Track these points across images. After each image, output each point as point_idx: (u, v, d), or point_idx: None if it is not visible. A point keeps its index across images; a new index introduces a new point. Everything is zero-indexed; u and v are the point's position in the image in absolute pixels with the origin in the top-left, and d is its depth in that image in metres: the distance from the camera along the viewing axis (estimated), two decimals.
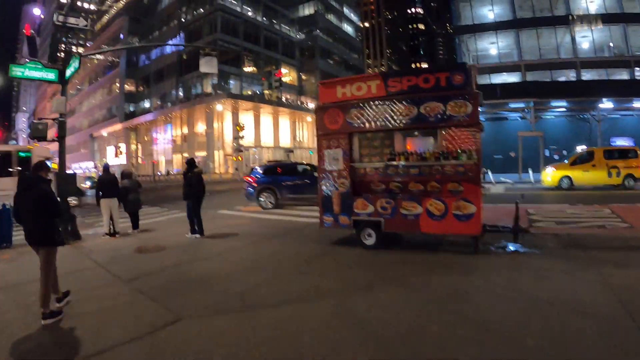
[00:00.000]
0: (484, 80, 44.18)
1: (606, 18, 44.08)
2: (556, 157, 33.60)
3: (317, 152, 10.58)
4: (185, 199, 13.09)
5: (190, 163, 13.30)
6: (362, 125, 9.81)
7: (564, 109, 39.98)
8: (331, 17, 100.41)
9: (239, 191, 30.00)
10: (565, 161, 25.74)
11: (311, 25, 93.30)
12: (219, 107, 59.68)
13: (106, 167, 14.31)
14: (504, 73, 47.49)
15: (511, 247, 9.53)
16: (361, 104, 9.81)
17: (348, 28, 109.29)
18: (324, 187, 10.31)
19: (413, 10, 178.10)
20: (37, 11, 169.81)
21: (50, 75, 14.84)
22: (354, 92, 10.04)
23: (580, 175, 24.23)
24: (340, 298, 6.52)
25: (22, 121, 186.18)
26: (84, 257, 10.46)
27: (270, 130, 75.31)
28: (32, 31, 17.34)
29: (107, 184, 13.58)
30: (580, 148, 29.88)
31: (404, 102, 9.33)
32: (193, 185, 12.90)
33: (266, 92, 69.56)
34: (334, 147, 10.14)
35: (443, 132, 9.17)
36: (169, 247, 11.12)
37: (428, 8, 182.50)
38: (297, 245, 10.88)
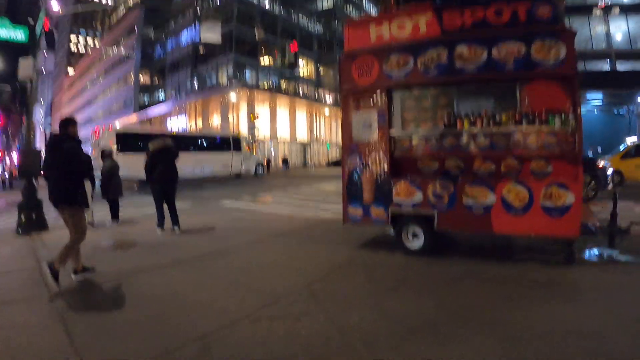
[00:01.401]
0: None
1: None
2: (590, 153, 31.00)
3: (341, 118, 7.67)
4: (153, 182, 10.24)
5: (166, 137, 10.67)
6: (406, 77, 6.87)
7: (599, 103, 37.93)
8: (350, 9, 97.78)
9: (248, 182, 29.04)
10: (611, 155, 22.74)
11: (330, 17, 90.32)
12: (232, 95, 56.75)
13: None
14: None
15: (617, 256, 6.59)
16: (405, 48, 6.91)
17: None
18: (349, 166, 7.44)
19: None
20: (55, 6, 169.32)
21: (19, 35, 12.55)
22: (394, 32, 7.08)
23: (633, 170, 21.41)
24: None
25: (38, 112, 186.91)
26: (31, 253, 8.17)
27: (287, 123, 72.72)
28: (51, 25, 16.01)
29: None
30: (631, 141, 26.81)
31: (467, 43, 6.42)
32: (167, 164, 10.14)
33: (283, 82, 67.91)
34: (365, 109, 7.25)
35: (525, 86, 6.35)
36: (141, 245, 8.56)
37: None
38: (309, 248, 7.99)
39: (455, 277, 5.80)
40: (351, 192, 7.43)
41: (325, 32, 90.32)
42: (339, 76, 7.54)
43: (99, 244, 8.65)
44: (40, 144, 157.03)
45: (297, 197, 17.72)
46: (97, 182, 10.87)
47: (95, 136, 28.80)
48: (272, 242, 8.48)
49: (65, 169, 5.90)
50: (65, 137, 6.12)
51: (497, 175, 6.54)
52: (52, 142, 6.14)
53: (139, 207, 14.60)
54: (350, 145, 7.40)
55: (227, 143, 34.86)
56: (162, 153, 10.10)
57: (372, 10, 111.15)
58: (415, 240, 6.94)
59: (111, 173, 11.92)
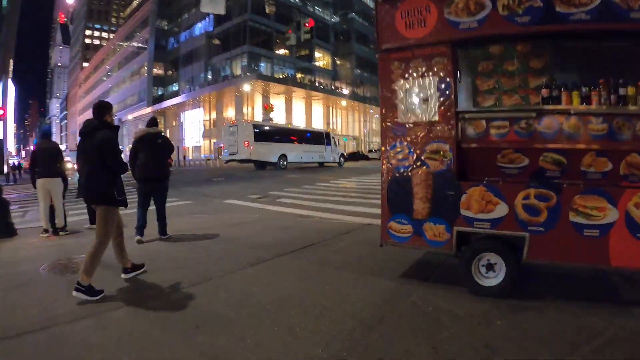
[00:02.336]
0: None
1: None
2: None
3: (380, 91, 5.28)
4: (142, 182, 8.17)
5: (153, 122, 8.40)
6: (480, 27, 4.44)
7: None
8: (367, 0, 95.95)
9: (260, 178, 26.96)
10: None
11: (346, 8, 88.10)
12: (246, 87, 55.01)
13: (45, 132, 9.63)
14: None
15: None
16: None
17: None
18: (392, 162, 5.08)
19: None
20: None
21: None
22: None
23: None
24: None
25: (55, 107, 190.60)
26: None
27: (303, 115, 71.13)
28: (66, 19, 14.05)
29: (43, 156, 8.98)
30: None
31: None
32: (149, 157, 8.03)
33: (298, 74, 66.91)
34: (417, 75, 4.84)
35: None
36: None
37: None
38: (333, 276, 5.53)
39: (567, 341, 3.51)
40: (395, 201, 5.06)
41: (342, 23, 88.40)
42: (375, 30, 5.12)
43: (56, 258, 6.69)
44: (56, 138, 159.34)
45: (313, 195, 15.72)
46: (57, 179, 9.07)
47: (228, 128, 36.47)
48: (281, 264, 6.20)
49: (96, 160, 5.20)
50: (100, 123, 5.39)
51: (618, 178, 4.22)
52: (84, 129, 5.53)
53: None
54: (393, 131, 5.04)
55: (323, 137, 41.95)
56: (143, 143, 8.01)
57: None
58: (491, 275, 4.58)
59: None
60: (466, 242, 4.71)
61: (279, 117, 59.49)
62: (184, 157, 61.61)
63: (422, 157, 4.75)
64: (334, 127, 76.81)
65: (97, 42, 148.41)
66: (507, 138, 4.51)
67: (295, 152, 37.65)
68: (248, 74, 63.94)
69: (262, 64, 69.66)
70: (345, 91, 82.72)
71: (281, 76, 70.26)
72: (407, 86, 4.86)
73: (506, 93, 4.68)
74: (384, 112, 5.08)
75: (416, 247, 5.05)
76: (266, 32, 69.32)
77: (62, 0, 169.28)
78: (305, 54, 78.50)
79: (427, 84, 4.72)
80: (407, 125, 4.89)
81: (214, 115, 71.35)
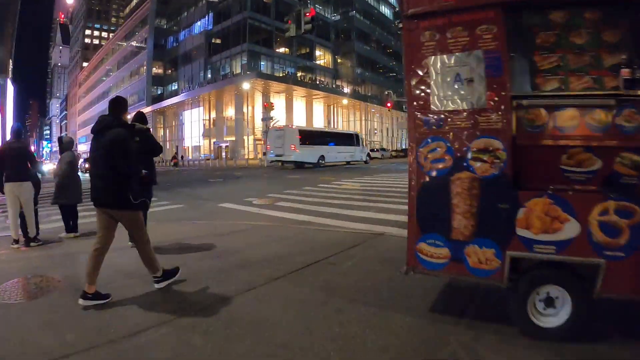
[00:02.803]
0: None
1: None
2: None
3: (405, 70, 4.08)
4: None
5: (141, 118, 7.10)
6: None
7: None
8: None
9: (258, 178, 26.32)
10: None
11: (347, 6, 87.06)
12: (245, 85, 53.83)
13: (16, 130, 8.48)
14: None
15: None
16: None
17: (386, 10, 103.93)
18: (424, 165, 3.84)
19: None
20: None
21: None
22: None
23: None
24: None
25: (55, 107, 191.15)
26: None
27: (303, 114, 70.41)
28: (66, 19, 13.40)
29: (12, 158, 7.83)
30: None
31: None
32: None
33: (299, 73, 66.41)
34: (457, 48, 3.67)
35: None
36: (60, 290, 5.13)
37: None
38: (343, 312, 4.24)
39: None
40: (427, 216, 3.87)
41: (343, 22, 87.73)
42: None
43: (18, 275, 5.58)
44: (56, 138, 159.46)
45: (314, 198, 14.59)
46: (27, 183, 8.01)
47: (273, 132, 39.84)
48: (276, 292, 4.95)
49: (107, 160, 4.76)
50: (114, 120, 4.97)
51: None
52: (97, 126, 5.01)
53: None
54: (425, 123, 3.83)
55: (353, 139, 46.54)
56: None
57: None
58: (550, 311, 3.47)
59: (71, 169, 8.85)
60: (518, 269, 3.59)
61: (279, 116, 58.46)
62: (182, 157, 60.77)
63: (465, 158, 3.60)
64: (335, 126, 76.10)
65: (97, 41, 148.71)
66: (575, 132, 3.38)
67: (331, 153, 41.69)
68: (248, 72, 63.06)
69: (262, 63, 68.61)
70: (346, 90, 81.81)
71: (281, 74, 69.18)
72: (443, 63, 3.71)
73: (574, 73, 3.52)
74: (411, 97, 3.89)
75: (454, 276, 3.91)
76: (266, 30, 68.58)
77: (62, 0, 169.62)
78: (305, 52, 77.85)
79: (470, 60, 3.58)
80: (443, 115, 3.72)
81: (213, 114, 70.54)
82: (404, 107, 70.83)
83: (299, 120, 68.16)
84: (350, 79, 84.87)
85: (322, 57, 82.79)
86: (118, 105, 5.12)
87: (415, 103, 3.84)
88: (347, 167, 38.94)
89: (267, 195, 15.58)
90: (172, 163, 52.42)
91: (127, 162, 4.80)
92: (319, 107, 74.96)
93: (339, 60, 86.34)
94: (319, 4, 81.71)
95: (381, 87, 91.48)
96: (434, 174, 3.74)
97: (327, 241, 7.52)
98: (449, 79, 3.70)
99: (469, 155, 3.58)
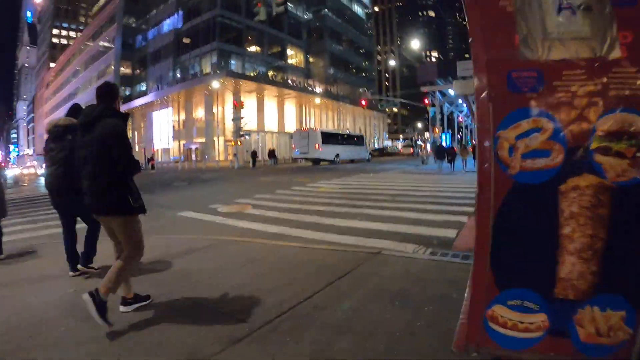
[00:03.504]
0: None
1: None
2: None
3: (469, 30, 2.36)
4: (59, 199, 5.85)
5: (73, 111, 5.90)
6: None
7: None
8: None
9: (227, 181, 24.75)
10: None
11: (320, 5, 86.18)
12: (215, 84, 52.65)
13: None
14: None
15: None
16: None
17: (359, 10, 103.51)
18: (505, 163, 2.16)
19: None
20: None
21: None
22: None
23: None
24: None
25: (22, 110, 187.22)
26: None
27: (275, 114, 68.87)
28: (34, 18, 12.38)
29: None
30: None
31: None
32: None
33: (270, 72, 65.02)
34: None
35: None
36: None
37: None
38: None
39: None
40: (512, 257, 2.21)
41: (315, 21, 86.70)
42: None
43: None
44: (23, 141, 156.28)
45: (289, 204, 12.94)
46: None
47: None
48: None
49: (103, 158, 3.97)
50: (105, 109, 4.17)
51: None
52: (86, 118, 4.19)
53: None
54: (510, 84, 2.13)
55: (360, 139, 55.15)
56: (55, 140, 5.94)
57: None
58: None
59: None
60: None
61: (250, 116, 56.87)
62: (147, 159, 58.39)
63: (587, 149, 1.93)
64: (307, 126, 74.89)
65: (64, 41, 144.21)
66: None
67: (344, 152, 48.09)
68: (217, 71, 61.21)
69: (232, 61, 66.65)
70: (319, 89, 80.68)
71: (252, 74, 67.23)
72: None
73: None
74: (476, 39, 2.18)
75: (552, 357, 2.22)
76: (237, 28, 66.78)
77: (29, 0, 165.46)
78: (277, 51, 76.25)
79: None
80: (543, 70, 2.02)
81: (183, 115, 68.09)
82: (379, 105, 70.01)
83: (270, 120, 67.24)
84: (322, 79, 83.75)
85: (294, 56, 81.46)
86: (110, 91, 4.38)
87: (485, 53, 2.12)
88: (321, 168, 38.12)
89: (235, 201, 13.91)
90: (149, 165, 49.62)
91: (128, 156, 4.11)
92: (290, 107, 73.37)
93: (311, 60, 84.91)
94: (291, 2, 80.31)
95: (353, 87, 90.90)
96: (528, 178, 2.04)
97: (308, 265, 5.77)
98: (549, 3, 2.01)
99: (594, 144, 1.90)
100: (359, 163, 46.63)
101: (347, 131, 67.46)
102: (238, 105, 44.48)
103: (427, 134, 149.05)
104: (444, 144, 38.32)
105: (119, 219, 4.19)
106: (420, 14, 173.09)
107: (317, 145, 43.66)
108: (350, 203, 12.66)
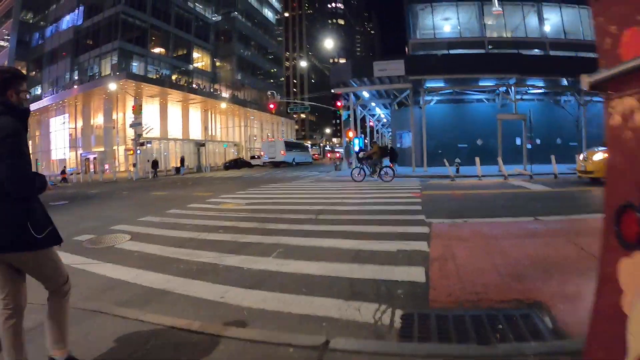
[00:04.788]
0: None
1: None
2: (529, 145, 30.24)
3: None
4: None
5: None
6: None
7: (540, 91, 37.61)
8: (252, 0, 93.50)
9: (116, 198, 21.35)
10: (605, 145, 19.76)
11: (229, 6, 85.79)
12: (115, 86, 50.00)
13: None
14: (465, 49, 43.01)
15: None
16: None
17: (269, 14, 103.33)
18: None
19: (334, 5, 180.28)
20: None
21: None
22: None
23: None
24: None
25: None
26: None
27: (179, 120, 67.84)
28: None
29: None
30: None
31: None
32: None
33: (175, 75, 63.46)
34: None
35: None
36: None
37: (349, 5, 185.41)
38: None
39: None
40: None
41: (224, 23, 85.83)
42: None
43: None
44: None
45: (181, 231, 10.21)
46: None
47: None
48: None
49: None
50: None
51: None
52: None
53: None
54: None
55: (307, 146, 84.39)
56: None
57: (274, 1, 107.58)
58: None
59: None
60: None
61: (152, 123, 55.14)
62: (35, 173, 53.50)
63: None
64: (213, 133, 73.67)
65: None
66: None
67: (297, 156, 66.67)
68: (118, 73, 58.54)
69: (134, 63, 64.09)
70: (225, 94, 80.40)
71: (156, 77, 65.50)
72: None
73: None
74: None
75: None
76: (141, 27, 64.35)
77: None
78: (182, 54, 74.78)
79: None
80: None
81: (80, 122, 64.07)
82: (287, 109, 70.36)
83: (174, 127, 65.95)
84: (229, 83, 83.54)
85: (201, 60, 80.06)
86: (4, 79, 3.21)
87: None
88: (228, 177, 37.26)
89: (111, 228, 10.90)
90: (60, 179, 43.16)
91: (27, 168, 3.12)
92: (195, 113, 72.41)
93: (218, 64, 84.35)
94: (200, 3, 78.77)
95: (261, 92, 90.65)
96: None
97: None
98: None
99: None
100: (280, 169, 50.30)
101: (302, 142, 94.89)
102: (136, 110, 42.57)
103: (334, 140, 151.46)
104: (356, 148, 38.23)
105: (24, 256, 3.19)
106: (330, 21, 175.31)
107: (282, 152, 58.80)
108: (261, 226, 10.25)
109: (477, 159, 24.92)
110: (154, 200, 18.97)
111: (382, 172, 23.67)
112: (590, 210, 11.05)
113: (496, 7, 40.66)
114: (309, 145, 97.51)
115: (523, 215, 10.58)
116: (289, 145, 64.82)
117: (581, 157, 20.61)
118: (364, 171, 24.44)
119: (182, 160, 48.67)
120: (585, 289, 4.72)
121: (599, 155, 18.83)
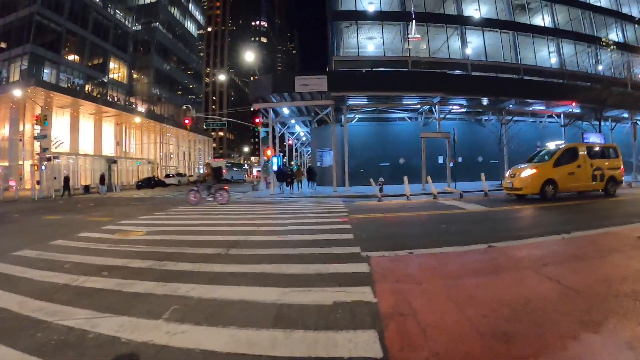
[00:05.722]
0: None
1: (498, 24, 48.83)
2: (452, 164, 31.77)
3: None
4: None
5: None
6: None
7: (463, 110, 39.14)
8: (175, 11, 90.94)
9: (1, 219, 18.56)
10: (528, 162, 21.28)
11: (151, 16, 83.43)
12: (21, 94, 45.75)
13: None
14: (388, 68, 43.77)
15: None
16: None
17: (192, 27, 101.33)
18: None
19: (258, 22, 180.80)
20: None
21: None
22: None
23: (566, 179, 19.55)
24: None
25: None
26: None
27: (92, 135, 64.52)
28: None
29: None
30: (555, 144, 25.19)
31: None
32: None
33: (89, 85, 59.83)
34: None
35: None
36: None
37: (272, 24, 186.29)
38: None
39: None
40: None
41: (144, 33, 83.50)
42: None
43: None
44: None
45: (54, 271, 8.06)
46: None
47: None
48: None
49: None
50: None
51: None
52: None
53: None
54: None
55: (240, 166, 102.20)
56: None
57: (198, 15, 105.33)
58: None
59: None
60: None
61: (62, 136, 51.82)
62: None
63: None
64: (127, 150, 70.25)
65: None
66: None
67: (235, 174, 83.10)
68: (27, 79, 54.32)
69: (46, 70, 59.88)
70: (141, 109, 78.10)
71: (68, 86, 61.82)
72: None
73: None
74: None
75: None
76: (56, 31, 60.45)
77: None
78: (98, 63, 70.92)
79: None
80: None
81: None
82: (204, 125, 68.65)
83: (86, 142, 62.52)
84: (145, 97, 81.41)
85: (117, 70, 76.51)
86: None
87: None
88: (137, 198, 35.21)
89: None
90: None
91: None
92: (109, 127, 69.22)
93: (135, 76, 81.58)
94: (120, 10, 75.30)
95: (179, 108, 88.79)
96: None
97: None
98: None
99: None
100: (175, 191, 46.61)
101: (240, 162, 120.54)
102: (40, 120, 39.13)
103: (252, 158, 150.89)
104: (274, 167, 37.28)
105: None
106: (252, 39, 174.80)
107: (224, 170, 63.88)
108: (157, 266, 8.11)
109: (405, 178, 24.69)
110: (43, 226, 16.16)
111: (217, 195, 23.31)
112: (539, 232, 10.59)
113: (413, 35, 44.38)
114: (246, 165, 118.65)
115: (473, 242, 9.41)
116: (229, 166, 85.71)
117: (507, 173, 21.41)
118: (200, 194, 23.68)
119: (102, 178, 45.07)
120: (595, 346, 4.13)
121: (527, 172, 19.69)
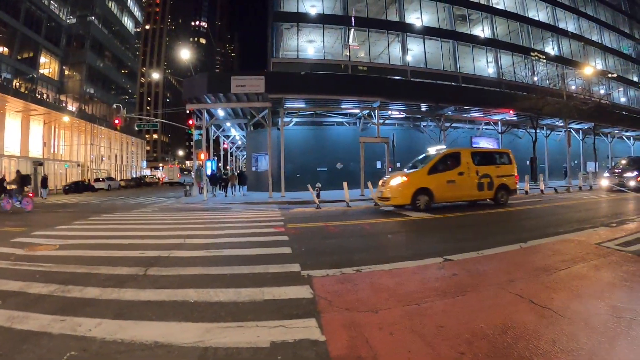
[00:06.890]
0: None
1: (439, 33, 51.40)
2: (390, 169, 31.09)
3: None
4: None
5: None
6: None
7: (402, 116, 39.37)
8: (112, 5, 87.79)
9: None
10: (410, 168, 19.36)
11: (86, 9, 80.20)
12: None
13: None
14: (327, 72, 44.16)
15: None
16: None
17: (129, 24, 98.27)
18: None
19: (198, 23, 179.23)
20: None
21: None
22: None
23: (444, 188, 17.74)
24: None
25: None
26: None
27: (18, 134, 60.82)
28: None
29: None
30: (435, 149, 21.97)
31: None
32: None
33: (16, 81, 56.13)
34: None
35: None
36: None
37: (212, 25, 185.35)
38: None
39: None
40: None
41: (78, 27, 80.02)
42: None
43: None
44: None
45: None
46: None
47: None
48: None
49: None
50: None
51: None
52: None
53: None
54: None
55: (197, 170, 54.96)
56: None
57: (136, 11, 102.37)
58: None
59: None
60: None
61: None
62: None
63: None
64: (55, 151, 66.65)
65: None
66: None
67: (187, 178, 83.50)
68: None
69: None
70: (72, 107, 75.01)
71: None
72: None
73: None
74: None
75: None
76: None
77: None
78: (28, 57, 66.88)
79: None
80: None
81: None
82: (136, 126, 65.67)
83: (13, 142, 59.20)
84: (77, 95, 77.94)
85: (48, 65, 72.31)
86: None
87: None
88: (61, 204, 32.30)
89: None
90: None
91: None
92: (37, 126, 65.51)
93: (66, 72, 77.61)
94: (55, 1, 71.46)
95: (112, 108, 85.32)
96: None
97: None
98: None
99: None
100: (105, 196, 44.00)
101: (191, 167, 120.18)
102: None
103: (187, 162, 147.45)
104: (209, 171, 36.01)
105: None
106: (191, 39, 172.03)
107: (178, 175, 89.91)
108: (60, 292, 6.65)
109: (345, 184, 22.93)
110: None
111: (25, 202, 23.52)
112: (496, 241, 10.03)
113: (351, 42, 45.81)
114: (201, 169, 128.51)
115: (427, 255, 8.55)
116: (182, 170, 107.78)
117: (380, 182, 19.49)
118: (12, 200, 23.55)
119: (45, 180, 42.78)
120: None
121: (397, 180, 17.94)
